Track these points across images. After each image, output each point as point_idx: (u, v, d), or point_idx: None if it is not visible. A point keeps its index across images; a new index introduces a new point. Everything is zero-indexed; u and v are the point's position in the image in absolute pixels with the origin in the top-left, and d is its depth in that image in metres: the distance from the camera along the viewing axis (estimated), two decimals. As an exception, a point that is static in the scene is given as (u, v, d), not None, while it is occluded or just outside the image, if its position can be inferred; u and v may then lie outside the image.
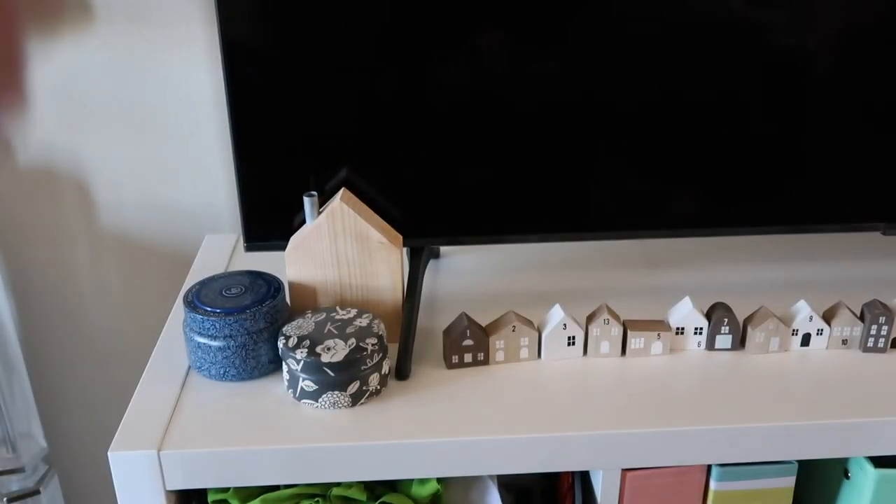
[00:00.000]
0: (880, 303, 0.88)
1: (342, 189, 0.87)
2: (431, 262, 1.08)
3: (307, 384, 0.78)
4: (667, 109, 0.88)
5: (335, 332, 0.81)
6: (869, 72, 0.88)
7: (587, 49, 0.85)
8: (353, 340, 0.79)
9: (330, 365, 0.77)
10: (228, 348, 0.81)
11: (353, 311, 0.84)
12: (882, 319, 0.87)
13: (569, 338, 0.87)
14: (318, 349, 0.78)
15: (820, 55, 0.87)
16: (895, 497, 0.81)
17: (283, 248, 0.89)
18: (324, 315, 0.83)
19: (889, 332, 0.87)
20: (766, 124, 0.90)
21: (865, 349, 0.88)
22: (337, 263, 0.86)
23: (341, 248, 0.86)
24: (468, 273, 1.05)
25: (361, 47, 0.84)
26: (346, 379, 0.78)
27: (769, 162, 0.91)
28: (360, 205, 0.87)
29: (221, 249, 1.11)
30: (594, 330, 0.86)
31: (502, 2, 0.83)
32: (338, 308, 0.85)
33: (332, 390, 0.78)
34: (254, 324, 0.81)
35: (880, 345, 0.88)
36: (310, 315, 0.84)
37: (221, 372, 0.82)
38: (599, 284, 1.02)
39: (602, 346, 0.87)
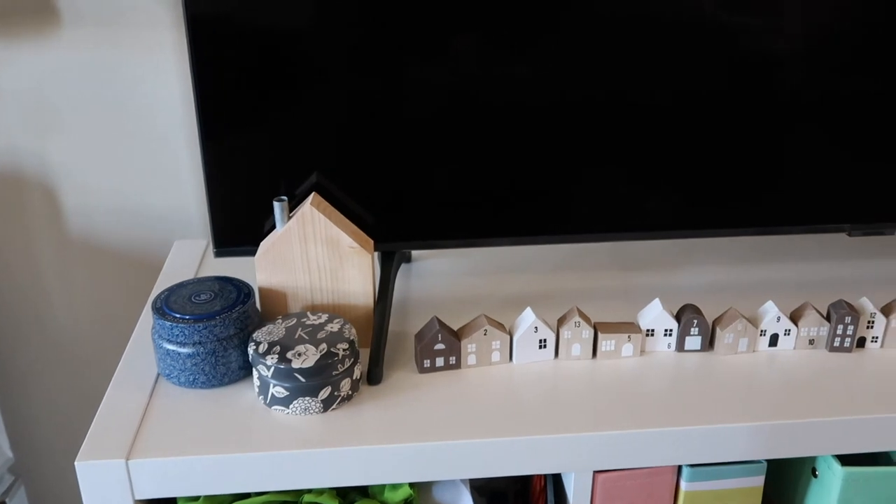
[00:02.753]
0: (846, 303, 0.89)
1: (312, 194, 0.87)
2: (403, 267, 1.08)
3: (278, 390, 0.78)
4: (637, 114, 0.89)
5: (306, 337, 0.80)
6: (835, 78, 0.89)
7: (558, 53, 0.86)
8: (324, 346, 0.79)
9: (301, 371, 0.77)
10: (198, 355, 0.80)
11: (325, 317, 0.84)
12: (848, 319, 0.88)
13: (540, 341, 0.87)
14: (289, 355, 0.77)
15: (788, 61, 0.88)
16: (862, 494, 0.82)
17: (253, 253, 0.88)
18: (294, 320, 0.83)
19: (855, 331, 0.88)
20: (735, 129, 0.91)
21: (832, 349, 0.89)
22: (308, 268, 0.86)
23: (312, 252, 0.85)
24: (440, 277, 1.05)
25: (331, 51, 0.84)
26: (318, 384, 0.78)
27: (738, 166, 0.92)
28: (330, 209, 0.87)
29: (191, 255, 1.10)
30: (565, 332, 0.87)
31: (474, 6, 0.83)
32: (308, 313, 0.84)
33: (304, 396, 0.78)
34: (223, 330, 0.81)
35: (846, 344, 0.89)
36: (280, 321, 0.83)
37: (191, 379, 0.81)
38: (570, 287, 1.03)
39: (573, 349, 0.88)
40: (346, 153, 0.88)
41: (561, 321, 0.88)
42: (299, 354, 0.78)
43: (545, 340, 0.87)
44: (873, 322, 0.89)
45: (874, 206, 0.96)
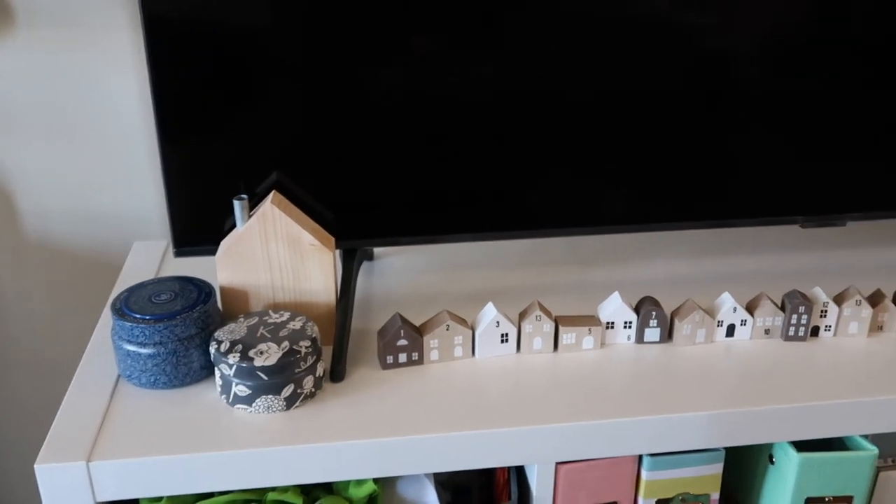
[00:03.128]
0: (800, 293, 0.91)
1: (273, 192, 0.87)
2: (365, 265, 1.08)
3: (240, 389, 0.78)
4: (594, 111, 0.90)
5: (268, 335, 0.80)
6: (786, 73, 0.91)
7: (516, 51, 0.86)
8: (286, 343, 0.79)
9: (263, 369, 0.77)
10: (159, 355, 0.80)
11: (287, 315, 0.84)
12: (801, 309, 0.90)
13: (502, 335, 0.88)
14: (251, 353, 0.77)
15: (740, 57, 0.90)
16: (817, 479, 0.84)
17: (213, 252, 0.88)
18: (256, 319, 0.83)
19: (808, 320, 0.90)
20: (689, 124, 0.92)
21: (787, 338, 0.91)
22: (269, 267, 0.86)
23: (273, 251, 0.85)
24: (401, 274, 1.06)
25: (289, 49, 0.83)
26: (280, 382, 0.78)
27: (693, 161, 0.94)
28: (291, 207, 0.87)
29: (151, 256, 1.09)
30: (527, 327, 0.88)
31: (431, 5, 0.83)
32: (270, 312, 0.84)
33: (266, 394, 0.78)
34: (185, 330, 0.80)
35: (800, 333, 0.91)
36: (242, 319, 0.83)
37: (152, 380, 0.81)
38: (531, 282, 1.04)
39: (535, 343, 0.88)
40: (307, 151, 0.88)
41: (522, 315, 0.89)
42: (261, 353, 0.78)
43: (507, 335, 0.88)
44: (826, 311, 0.91)
45: (826, 198, 0.98)
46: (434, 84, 0.87)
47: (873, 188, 0.99)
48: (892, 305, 0.92)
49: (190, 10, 0.81)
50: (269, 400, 0.78)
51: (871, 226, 1.20)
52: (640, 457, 0.83)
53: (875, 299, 0.93)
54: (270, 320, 0.83)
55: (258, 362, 0.77)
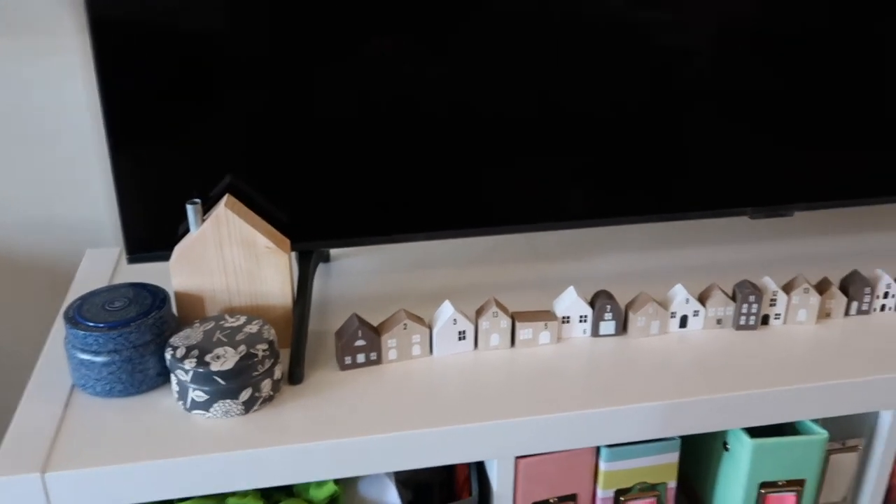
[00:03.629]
0: (750, 283, 0.93)
1: (226, 195, 0.87)
2: (322, 266, 1.08)
3: (197, 394, 0.77)
4: (545, 108, 0.91)
5: (224, 339, 0.80)
6: (733, 68, 0.93)
7: (467, 49, 0.87)
8: (242, 347, 0.78)
9: (220, 373, 0.76)
10: (114, 363, 0.79)
11: (243, 318, 0.83)
12: (752, 298, 0.92)
13: (459, 332, 0.88)
14: (208, 358, 0.77)
15: (687, 53, 0.92)
16: (771, 464, 0.86)
17: (167, 258, 0.87)
18: (212, 323, 0.82)
19: (759, 309, 0.92)
20: (639, 120, 0.94)
21: (738, 327, 0.93)
22: (224, 271, 0.85)
23: (228, 255, 0.85)
24: (359, 275, 1.06)
25: (240, 51, 0.83)
26: (238, 386, 0.77)
27: (645, 156, 0.95)
28: (245, 210, 0.87)
29: (104, 263, 1.08)
30: (483, 323, 0.88)
31: (380, 7, 0.83)
32: (227, 316, 0.84)
33: (224, 399, 0.77)
34: (139, 336, 0.80)
35: (751, 322, 0.93)
36: (198, 324, 0.82)
37: (107, 388, 0.80)
38: (489, 279, 1.04)
39: (492, 339, 0.89)
40: (260, 154, 0.88)
41: (479, 312, 0.89)
42: (218, 357, 0.77)
43: (464, 332, 0.88)
44: (776, 300, 0.93)
45: (773, 190, 1.00)
46: (387, 84, 0.87)
47: (819, 179, 1.01)
48: (839, 292, 0.95)
49: (138, 14, 0.80)
50: (226, 404, 0.78)
51: (817, 215, 1.22)
52: (598, 448, 0.85)
53: (822, 287, 0.95)
54: (227, 324, 0.82)
55: (215, 367, 0.76)
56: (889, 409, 0.88)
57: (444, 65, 0.87)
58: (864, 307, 0.96)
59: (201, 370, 0.76)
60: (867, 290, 0.95)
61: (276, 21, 0.83)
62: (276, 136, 0.87)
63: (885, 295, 0.96)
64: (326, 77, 0.86)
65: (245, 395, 0.78)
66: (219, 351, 0.78)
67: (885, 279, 0.95)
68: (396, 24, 0.85)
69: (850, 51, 0.95)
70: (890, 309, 0.97)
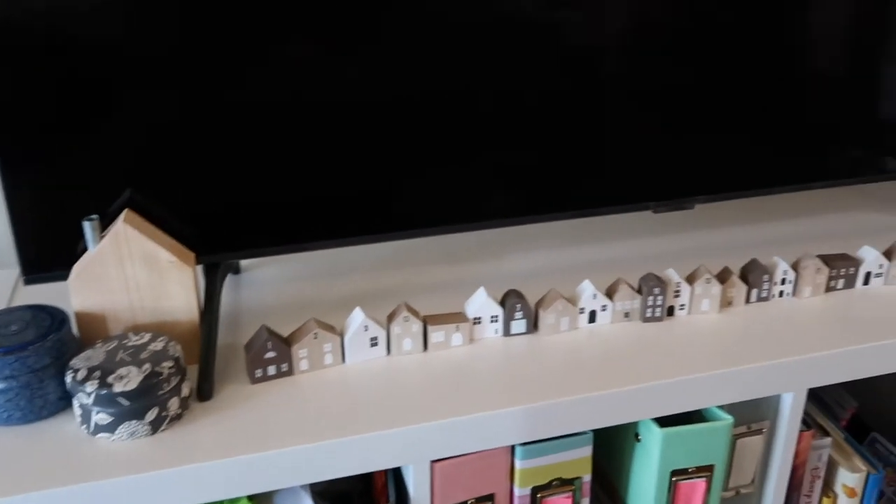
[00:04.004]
0: (654, 276, 0.95)
1: (125, 210, 0.84)
2: (232, 278, 1.06)
3: (101, 417, 0.75)
4: (454, 108, 0.91)
5: (128, 359, 0.78)
6: (630, 66, 0.95)
7: (375, 51, 0.87)
8: (147, 366, 0.77)
9: (124, 394, 0.74)
10: (11, 390, 0.76)
11: (147, 336, 0.81)
12: (657, 291, 0.94)
13: (371, 339, 0.88)
14: (110, 379, 0.75)
15: (587, 53, 0.93)
16: (680, 452, 0.88)
17: (66, 277, 0.84)
18: (115, 343, 0.80)
19: (664, 301, 0.95)
20: (544, 119, 0.95)
21: (645, 319, 0.95)
22: (126, 288, 0.83)
23: (129, 271, 0.83)
24: (269, 285, 1.04)
25: (132, 58, 0.81)
26: (143, 406, 0.75)
27: (551, 154, 0.97)
28: (145, 225, 0.84)
29: (1, 286, 1.04)
30: (395, 328, 0.88)
31: (279, 11, 0.82)
32: (130, 334, 0.82)
33: (129, 420, 0.75)
34: (38, 360, 0.77)
35: (657, 314, 0.95)
36: (100, 345, 0.80)
37: (5, 416, 0.77)
38: (399, 283, 1.04)
39: (405, 344, 0.89)
40: (159, 166, 0.86)
41: (390, 317, 0.89)
42: (121, 377, 0.75)
43: (376, 338, 0.88)
44: (679, 291, 0.96)
45: (675, 184, 1.03)
46: (289, 89, 0.86)
47: (717, 172, 1.04)
48: (739, 281, 0.98)
49: (20, 24, 0.77)
50: (132, 426, 0.76)
51: (716, 207, 1.26)
52: (513, 447, 0.85)
53: (723, 276, 0.98)
54: (130, 343, 0.80)
55: (118, 388, 0.74)
56: (790, 392, 0.91)
57: (350, 67, 0.87)
58: (764, 294, 0.99)
59: (104, 392, 0.74)
60: (765, 277, 0.98)
61: (170, 25, 0.81)
62: (175, 146, 0.85)
63: (783, 281, 0.99)
64: (225, 83, 0.84)
65: (151, 414, 0.76)
66: (122, 371, 0.76)
67: (782, 265, 0.99)
68: (295, 27, 0.84)
69: (742, 47, 0.99)
70: (787, 294, 1.00)
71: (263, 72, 0.84)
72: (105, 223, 0.85)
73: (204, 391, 0.82)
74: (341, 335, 0.88)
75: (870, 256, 1.02)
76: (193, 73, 0.83)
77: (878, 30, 1.04)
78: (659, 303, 0.94)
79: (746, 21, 0.98)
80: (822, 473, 1.02)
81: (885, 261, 1.02)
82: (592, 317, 0.94)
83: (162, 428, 0.77)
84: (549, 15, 0.91)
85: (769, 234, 1.18)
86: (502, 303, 0.93)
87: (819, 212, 1.26)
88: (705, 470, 0.90)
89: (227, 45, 0.83)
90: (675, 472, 0.89)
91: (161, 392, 0.76)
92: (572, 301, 0.94)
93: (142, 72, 0.81)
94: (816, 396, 1.17)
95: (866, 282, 1.03)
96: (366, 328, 0.87)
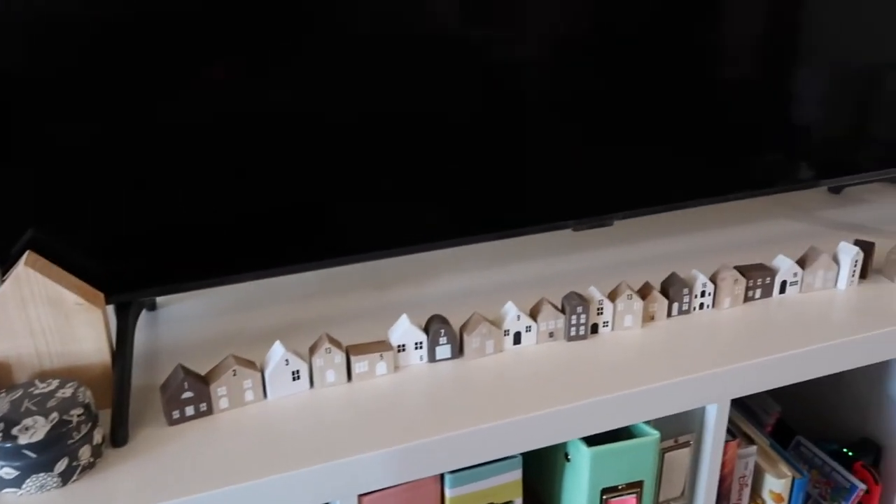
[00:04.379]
0: (577, 294, 0.95)
1: (27, 252, 0.81)
2: (148, 315, 1.02)
3: (6, 472, 0.71)
4: (370, 133, 0.90)
5: (34, 408, 0.74)
6: (549, 86, 0.96)
7: (286, 77, 0.85)
8: (55, 415, 0.73)
9: (30, 446, 0.70)
10: None
11: (55, 382, 0.78)
12: (580, 309, 0.94)
13: (293, 373, 0.86)
14: (15, 431, 0.71)
15: (506, 75, 0.93)
16: (610, 470, 0.88)
17: (-35, 324, 0.80)
18: (20, 392, 0.76)
19: (587, 319, 0.95)
20: (462, 143, 0.94)
21: (570, 338, 0.95)
22: (31, 332, 0.79)
23: (33, 315, 0.79)
24: (187, 321, 1.01)
25: (31, 85, 0.78)
26: (52, 458, 0.72)
27: (470, 178, 0.96)
28: (49, 266, 0.81)
29: None
30: (317, 361, 0.86)
31: (188, 36, 0.80)
32: (37, 381, 0.78)
33: (37, 473, 0.72)
34: (-65, 415, 0.73)
35: (581, 332, 0.95)
36: (3, 394, 0.76)
37: None
38: (320, 312, 1.02)
39: (328, 376, 0.87)
40: (62, 205, 0.82)
41: (312, 349, 0.87)
42: (27, 428, 0.71)
43: (298, 372, 0.86)
44: (602, 308, 0.96)
45: (593, 202, 1.04)
46: (200, 116, 0.83)
47: (635, 187, 1.05)
48: (660, 296, 0.99)
49: None
50: (41, 479, 0.72)
51: (632, 222, 1.28)
52: (442, 475, 0.84)
53: (644, 291, 0.99)
54: (37, 391, 0.76)
55: (23, 439, 0.70)
56: (714, 403, 0.92)
57: (262, 91, 0.85)
58: (685, 307, 1.00)
59: (8, 445, 0.70)
60: (685, 290, 1.00)
61: (70, 51, 0.78)
62: (77, 183, 0.82)
63: (702, 294, 1.01)
64: (129, 112, 0.81)
65: (61, 465, 0.72)
66: (27, 421, 0.72)
67: (701, 279, 1.00)
68: (206, 51, 0.82)
69: (653, 63, 1.00)
70: (707, 307, 1.02)
71: (172, 98, 0.82)
72: (6, 266, 0.81)
73: (118, 437, 0.79)
74: (262, 370, 0.85)
75: (784, 265, 1.04)
76: (96, 101, 0.80)
77: (790, 43, 1.07)
78: (583, 321, 0.95)
79: (657, 37, 0.99)
80: (749, 481, 1.04)
81: (799, 269, 1.05)
82: (517, 338, 0.94)
83: (73, 479, 0.74)
84: (463, 36, 0.91)
85: (684, 247, 1.20)
86: (426, 329, 0.92)
87: (732, 222, 1.29)
88: (635, 486, 0.90)
89: (131, 69, 0.80)
90: (605, 490, 0.89)
91: (71, 441, 0.73)
92: (496, 323, 0.94)
93: (40, 101, 0.78)
94: (741, 403, 1.19)
95: (782, 290, 1.05)
96: (287, 362, 0.85)
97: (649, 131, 1.04)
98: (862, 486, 1.15)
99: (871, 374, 1.25)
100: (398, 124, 0.91)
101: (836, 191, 1.44)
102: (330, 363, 0.87)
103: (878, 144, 1.19)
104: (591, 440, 0.88)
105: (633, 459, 0.88)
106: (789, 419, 1.37)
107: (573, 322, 0.95)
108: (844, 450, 1.24)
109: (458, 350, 0.93)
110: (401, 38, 0.88)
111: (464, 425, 0.81)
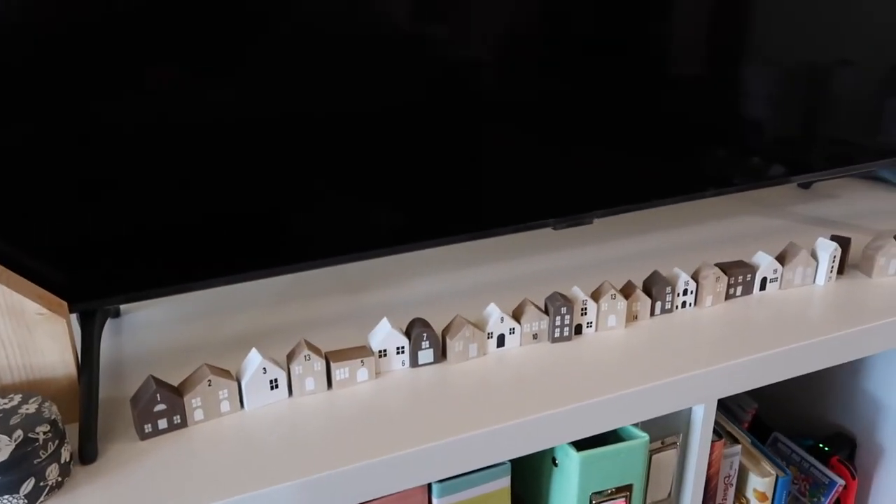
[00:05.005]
0: (560, 294, 0.93)
1: (-15, 259, 0.76)
2: (113, 323, 0.98)
3: (-33, 495, 0.67)
4: (340, 131, 0.87)
5: (-4, 426, 0.69)
6: (523, 83, 0.93)
7: (247, 77, 0.81)
8: (19, 433, 0.68)
9: (-7, 467, 0.66)
10: None
11: (18, 398, 0.73)
12: (563, 310, 0.92)
13: (271, 381, 0.82)
14: (-24, 451, 0.66)
15: (478, 70, 0.91)
16: (599, 474, 0.86)
17: (-83, 337, 0.75)
18: (-20, 408, 0.71)
19: (571, 320, 0.93)
20: (438, 139, 0.91)
21: (553, 340, 0.93)
22: (-10, 345, 0.75)
23: (-8, 327, 0.74)
24: (154, 328, 0.97)
25: (-17, 96, 0.73)
26: (17, 479, 0.67)
27: (446, 175, 0.93)
28: (8, 275, 0.76)
29: None
30: (296, 368, 0.83)
31: (142, 36, 0.76)
32: (-2, 397, 0.73)
33: (2, 495, 0.67)
34: None
35: (566, 333, 0.93)
36: (-38, 412, 0.71)
37: None
38: (296, 318, 0.99)
39: (307, 384, 0.84)
40: (19, 209, 0.77)
41: (290, 357, 0.84)
42: (-11, 448, 0.67)
43: (276, 380, 0.82)
44: (586, 309, 0.94)
45: (573, 199, 1.02)
46: (155, 118, 0.79)
47: (614, 185, 1.04)
48: (643, 295, 0.97)
49: None
50: (6, 501, 0.67)
51: (614, 221, 1.26)
52: (429, 484, 0.81)
53: (627, 291, 0.97)
54: (-2, 407, 0.72)
55: (-14, 460, 0.66)
56: (701, 404, 0.91)
57: (222, 87, 0.81)
58: (668, 306, 0.99)
59: (-31, 466, 0.65)
60: (668, 289, 0.98)
61: (16, 58, 0.73)
62: (36, 186, 0.77)
63: (685, 292, 0.99)
64: (88, 109, 0.77)
65: (27, 486, 0.68)
66: (-11, 441, 0.67)
67: (683, 277, 0.99)
68: (161, 50, 0.77)
69: (627, 60, 0.98)
70: (690, 305, 1.00)
71: (133, 101, 0.78)
72: (-38, 274, 0.76)
73: (87, 454, 0.74)
74: (238, 380, 0.81)
75: (764, 262, 1.04)
76: (52, 102, 0.75)
77: (759, 41, 1.06)
78: (567, 322, 0.92)
79: (630, 36, 0.97)
80: (734, 481, 1.03)
81: (778, 265, 1.04)
82: (501, 341, 0.91)
83: (41, 500, 0.69)
84: (435, 34, 0.88)
85: (660, 244, 1.18)
86: (407, 333, 0.89)
87: (704, 218, 1.28)
88: (624, 490, 0.88)
89: (85, 66, 0.75)
90: (594, 495, 0.87)
91: (37, 460, 0.68)
92: (479, 326, 0.91)
93: (-3, 104, 0.73)
94: (719, 401, 1.19)
95: (762, 287, 1.04)
96: (264, 370, 0.81)
97: (626, 130, 1.02)
98: (841, 482, 1.15)
99: (845, 368, 1.25)
100: (370, 123, 0.88)
101: (805, 186, 1.45)
102: (309, 370, 0.83)
103: (844, 142, 1.19)
104: (579, 444, 0.86)
105: (623, 463, 0.86)
106: (765, 415, 1.37)
107: (557, 323, 0.92)
108: (821, 445, 1.24)
109: (441, 354, 0.90)
110: (367, 37, 0.85)
111: (450, 433, 0.79)
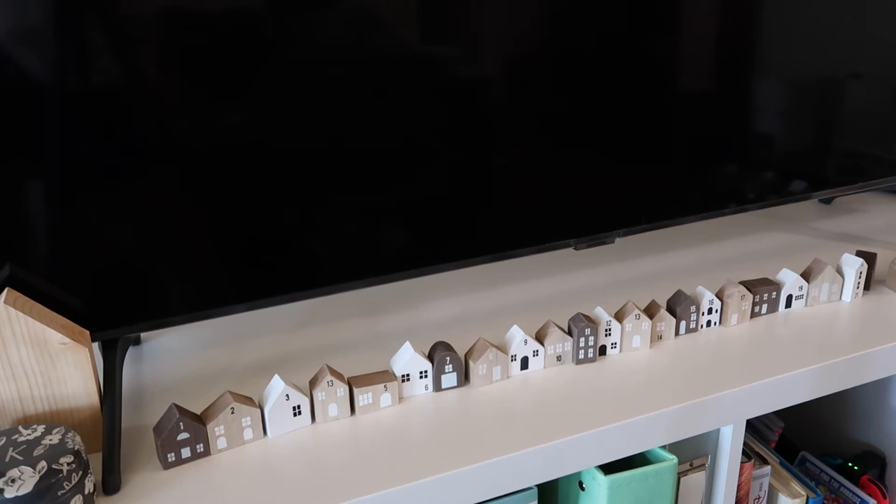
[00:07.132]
0: (583, 315, 0.92)
1: (6, 289, 0.76)
2: (133, 350, 0.97)
3: (-9, 528, 0.66)
4: (357, 155, 0.86)
5: (19, 457, 0.69)
6: (545, 98, 0.93)
7: (263, 99, 0.81)
8: (43, 464, 0.68)
9: (18, 500, 0.65)
10: None
11: (41, 428, 0.72)
12: (587, 331, 0.91)
13: (294, 408, 0.81)
14: (0, 483, 0.66)
15: (499, 87, 0.90)
16: (627, 497, 0.84)
17: (-60, 369, 0.75)
18: (3, 440, 0.71)
19: (595, 341, 0.92)
20: (456, 161, 0.91)
21: (578, 361, 0.92)
22: (12, 376, 0.74)
23: (14, 357, 0.74)
24: (175, 355, 0.96)
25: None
26: (41, 511, 0.67)
27: (465, 197, 0.93)
28: (31, 304, 0.76)
29: None
30: (319, 394, 0.82)
31: (161, 60, 0.76)
32: (21, 428, 0.73)
33: (25, 528, 0.66)
34: (-89, 469, 0.67)
35: (590, 355, 0.92)
36: (-15, 443, 0.71)
37: None
38: (317, 343, 0.98)
39: (330, 410, 0.83)
40: (41, 238, 0.77)
41: (312, 383, 0.83)
42: (13, 481, 0.66)
43: (299, 406, 0.81)
44: (610, 329, 0.93)
45: (594, 219, 1.01)
46: (171, 144, 0.79)
47: (635, 204, 1.03)
48: (668, 314, 0.96)
49: None
50: (29, 534, 0.67)
51: (635, 239, 1.25)
52: (455, 511, 0.80)
53: (651, 310, 0.96)
54: (21, 438, 0.71)
55: (10, 493, 0.65)
56: (730, 424, 0.89)
57: (240, 115, 0.81)
58: (692, 325, 0.98)
59: (-7, 499, 0.65)
60: (693, 308, 0.97)
61: (36, 77, 0.73)
62: (57, 215, 0.77)
63: (710, 311, 0.98)
64: (105, 138, 0.77)
65: (51, 519, 0.67)
66: (13, 473, 0.67)
67: (707, 295, 0.98)
68: (188, 75, 0.78)
69: (648, 80, 0.98)
70: (714, 324, 0.99)
71: (149, 125, 0.78)
72: (-16, 305, 0.75)
73: (110, 484, 0.73)
74: (260, 407, 0.81)
75: (789, 279, 1.02)
76: (67, 126, 0.75)
77: (778, 57, 1.05)
78: (591, 343, 0.91)
79: (649, 53, 0.97)
80: (764, 502, 1.01)
81: (804, 282, 1.03)
82: (525, 363, 0.90)
83: (64, 533, 0.69)
84: (448, 53, 0.87)
85: (683, 262, 1.17)
86: (430, 356, 0.88)
87: (727, 236, 1.27)
88: (653, 514, 0.86)
89: (93, 95, 0.76)
90: (622, 520, 0.85)
91: (62, 492, 0.68)
92: (502, 349, 0.90)
93: (8, 133, 0.73)
94: (746, 421, 1.17)
95: (788, 304, 1.03)
96: (287, 397, 0.81)
97: (645, 148, 1.01)
98: (872, 502, 1.13)
99: (873, 384, 1.23)
100: (390, 147, 0.88)
101: (826, 201, 1.43)
102: (332, 396, 0.82)
103: (866, 156, 1.17)
104: (607, 467, 0.84)
105: (651, 486, 0.85)
106: (791, 435, 1.35)
107: (581, 345, 0.91)
108: (850, 464, 1.22)
109: (464, 377, 0.89)
110: (391, 60, 0.85)
111: (475, 459, 0.77)
